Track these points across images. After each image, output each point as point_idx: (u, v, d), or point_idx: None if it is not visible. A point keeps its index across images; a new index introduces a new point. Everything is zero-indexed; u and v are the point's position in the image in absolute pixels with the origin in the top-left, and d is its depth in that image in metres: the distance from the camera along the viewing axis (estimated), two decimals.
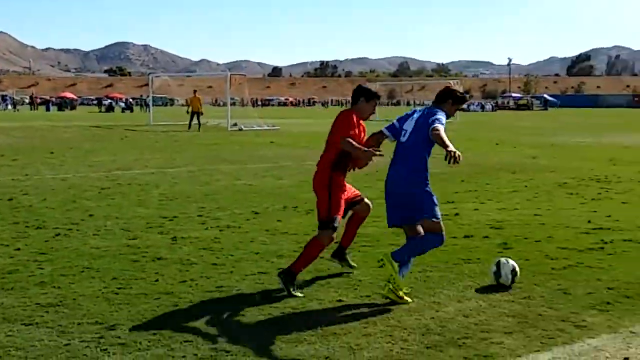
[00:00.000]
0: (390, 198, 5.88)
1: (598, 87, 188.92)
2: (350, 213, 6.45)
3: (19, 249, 7.50)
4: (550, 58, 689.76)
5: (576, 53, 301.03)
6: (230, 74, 42.46)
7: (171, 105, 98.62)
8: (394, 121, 6.08)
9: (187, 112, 36.98)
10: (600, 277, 6.40)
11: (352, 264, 6.66)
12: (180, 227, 8.84)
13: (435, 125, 5.65)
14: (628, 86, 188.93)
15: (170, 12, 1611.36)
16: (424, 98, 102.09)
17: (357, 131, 5.98)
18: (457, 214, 9.77)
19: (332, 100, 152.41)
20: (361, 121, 6.12)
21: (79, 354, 4.47)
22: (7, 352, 4.48)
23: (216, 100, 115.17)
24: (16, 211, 9.93)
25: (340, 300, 5.69)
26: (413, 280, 6.26)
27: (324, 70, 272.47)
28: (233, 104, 56.75)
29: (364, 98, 6.10)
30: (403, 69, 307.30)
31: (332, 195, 5.95)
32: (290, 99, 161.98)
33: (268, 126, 38.41)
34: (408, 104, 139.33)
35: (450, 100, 6.06)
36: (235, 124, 37.01)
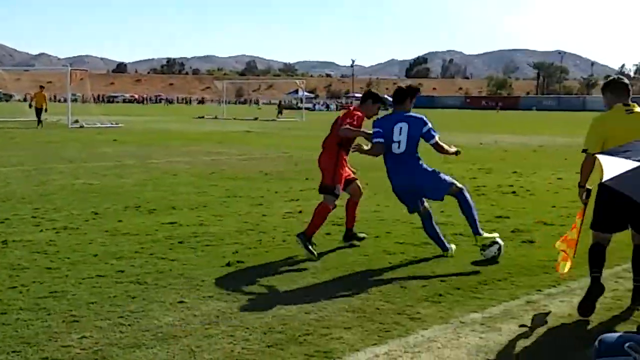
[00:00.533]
0: (408, 195, 7.28)
1: (434, 88, 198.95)
2: (345, 200, 7.90)
3: None
4: (390, 60, 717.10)
5: (414, 56, 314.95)
6: (71, 69, 40.58)
7: (7, 100, 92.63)
8: (376, 129, 7.16)
9: (30, 107, 35.11)
10: (434, 270, 6.73)
11: (360, 235, 8.00)
12: (12, 230, 8.32)
13: (434, 140, 7.15)
14: (461, 88, 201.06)
15: (6, 3, 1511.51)
16: (270, 97, 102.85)
17: (353, 122, 7.27)
18: (301, 212, 9.90)
19: (178, 97, 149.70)
20: (358, 118, 7.38)
21: None
22: None
23: (55, 97, 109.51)
24: None
25: (181, 302, 5.58)
26: (255, 280, 6.28)
27: (171, 67, 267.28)
28: (74, 100, 54.37)
29: (371, 100, 7.62)
30: (250, 68, 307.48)
31: (337, 169, 7.29)
32: (136, 95, 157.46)
33: (111, 123, 37.17)
34: (256, 102, 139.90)
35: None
36: (76, 121, 35.55)
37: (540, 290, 6.10)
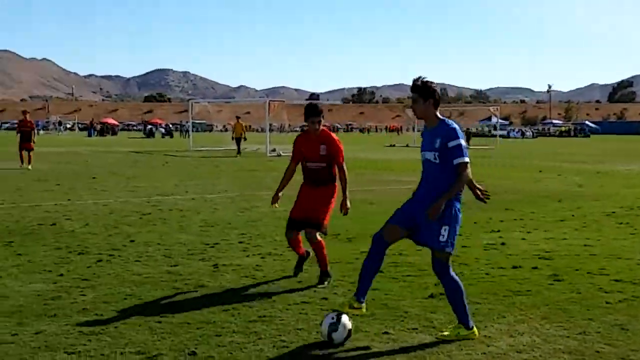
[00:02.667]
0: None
1: None
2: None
3: (61, 275, 7.48)
4: (590, 84, 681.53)
5: (617, 79, 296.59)
6: (269, 100, 42.72)
7: (210, 131, 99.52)
8: None
9: (232, 138, 37.52)
10: None
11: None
12: (221, 254, 8.75)
13: None
14: None
15: (209, 39, 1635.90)
16: (462, 124, 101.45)
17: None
18: (503, 244, 9.51)
19: (369, 126, 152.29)
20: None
21: None
22: None
23: (250, 127, 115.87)
24: (59, 236, 9.96)
25: (386, 333, 5.50)
26: None
27: (361, 96, 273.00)
28: (271, 130, 57.10)
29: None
30: (442, 95, 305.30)
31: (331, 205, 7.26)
32: (328, 124, 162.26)
33: None
34: None
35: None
36: (273, 150, 37.10)
37: None
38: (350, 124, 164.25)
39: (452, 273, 5.47)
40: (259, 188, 17.52)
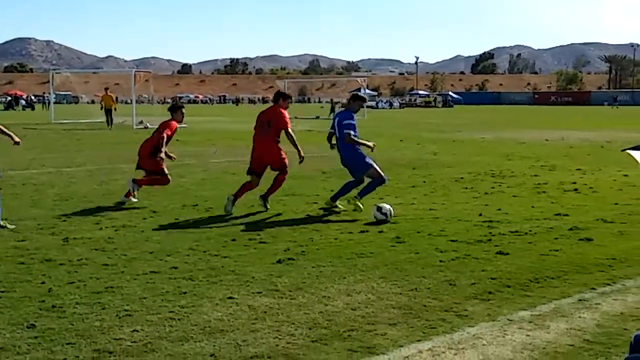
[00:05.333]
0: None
1: (501, 84, 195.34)
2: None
3: None
4: (455, 56, 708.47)
5: (480, 52, 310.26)
6: (136, 71, 41.64)
7: (76, 103, 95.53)
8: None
9: (102, 109, 36.36)
10: (485, 268, 6.65)
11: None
12: (73, 228, 8.61)
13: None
14: (529, 84, 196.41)
15: (74, 6, 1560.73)
16: (334, 95, 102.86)
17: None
18: (355, 210, 9.93)
19: (243, 97, 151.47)
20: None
21: None
22: None
23: (117, 98, 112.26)
24: None
25: (231, 298, 5.68)
26: (306, 276, 6.34)
27: (235, 67, 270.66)
28: (141, 102, 55.71)
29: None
30: (314, 67, 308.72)
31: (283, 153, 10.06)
32: (200, 96, 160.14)
33: None
34: (319, 101, 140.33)
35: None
36: (140, 122, 36.33)
37: (594, 289, 5.96)
38: (223, 95, 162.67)
39: None
40: (119, 161, 17.15)
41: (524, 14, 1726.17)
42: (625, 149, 3.81)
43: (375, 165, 9.97)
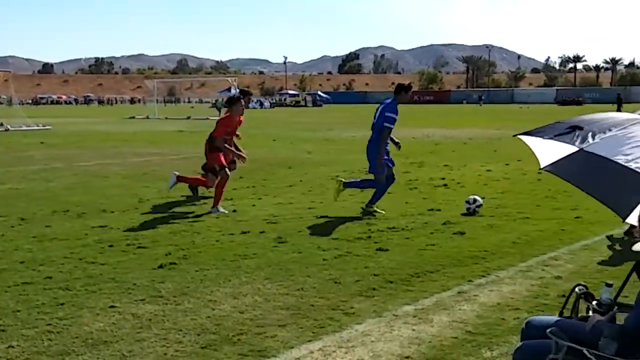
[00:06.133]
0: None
1: (367, 84, 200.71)
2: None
3: None
4: (323, 56, 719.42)
5: (346, 52, 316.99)
6: None
7: None
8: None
9: None
10: (367, 265, 6.78)
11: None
12: None
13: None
14: (393, 83, 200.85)
15: None
16: (203, 95, 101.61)
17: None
18: (234, 211, 9.85)
19: (108, 98, 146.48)
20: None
21: None
22: None
23: None
24: None
25: (112, 307, 5.47)
26: (190, 280, 6.21)
27: (100, 67, 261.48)
28: (0, 102, 52.59)
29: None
30: (182, 66, 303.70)
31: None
32: (64, 97, 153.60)
33: (38, 126, 36.18)
34: (189, 101, 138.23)
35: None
36: (1, 124, 34.41)
37: (470, 281, 6.22)
38: (88, 96, 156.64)
39: None
40: None
41: (388, 15, 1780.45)
42: (516, 135, 3.97)
43: (384, 174, 9.98)
